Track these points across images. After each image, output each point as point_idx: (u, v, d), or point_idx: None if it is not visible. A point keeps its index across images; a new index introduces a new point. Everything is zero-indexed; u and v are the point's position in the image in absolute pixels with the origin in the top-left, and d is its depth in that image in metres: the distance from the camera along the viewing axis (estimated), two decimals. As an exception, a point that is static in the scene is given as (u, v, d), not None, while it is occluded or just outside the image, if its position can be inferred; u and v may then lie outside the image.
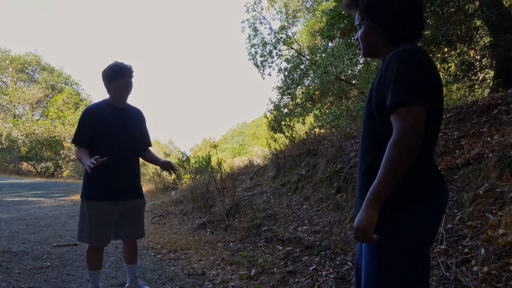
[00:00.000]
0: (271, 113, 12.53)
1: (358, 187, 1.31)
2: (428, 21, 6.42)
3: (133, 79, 2.43)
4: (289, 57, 13.53)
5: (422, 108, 1.07)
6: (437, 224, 1.23)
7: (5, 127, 22.88)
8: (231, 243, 4.07)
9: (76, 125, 2.41)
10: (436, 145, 1.39)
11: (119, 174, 2.36)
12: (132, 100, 2.68)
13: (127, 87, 2.39)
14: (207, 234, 4.63)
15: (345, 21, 5.14)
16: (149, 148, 2.68)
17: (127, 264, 2.64)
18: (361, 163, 1.29)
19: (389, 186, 1.08)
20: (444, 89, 1.30)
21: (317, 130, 10.17)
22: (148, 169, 18.13)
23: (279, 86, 13.27)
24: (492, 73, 7.53)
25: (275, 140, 9.05)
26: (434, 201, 1.18)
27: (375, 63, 9.51)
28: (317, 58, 11.89)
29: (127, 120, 2.45)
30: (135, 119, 2.53)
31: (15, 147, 21.79)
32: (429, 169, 1.20)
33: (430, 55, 6.83)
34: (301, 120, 11.86)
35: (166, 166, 2.56)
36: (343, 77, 11.26)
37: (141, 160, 2.67)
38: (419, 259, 1.18)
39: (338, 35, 5.75)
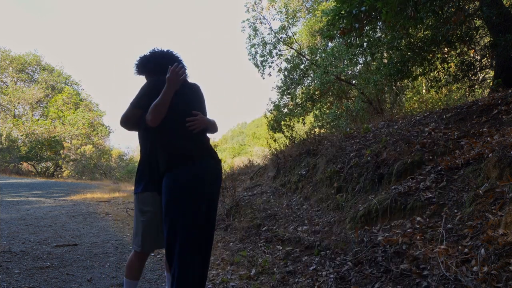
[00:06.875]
0: (271, 113, 12.49)
1: None
2: (428, 21, 6.44)
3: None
4: (289, 57, 13.50)
5: (132, 109, 2.09)
6: (185, 192, 1.91)
7: (5, 127, 22.88)
8: (231, 243, 4.07)
9: (140, 91, 2.10)
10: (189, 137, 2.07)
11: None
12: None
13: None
14: (207, 234, 4.63)
15: (345, 21, 5.12)
16: None
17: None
18: None
19: None
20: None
21: (317, 130, 10.17)
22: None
23: (279, 86, 13.23)
24: (492, 73, 7.54)
25: (275, 140, 9.06)
26: (174, 176, 1.94)
27: (374, 63, 9.52)
28: (317, 58, 11.85)
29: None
30: None
31: (15, 147, 21.80)
32: (169, 154, 1.98)
33: (430, 55, 6.84)
34: (301, 120, 11.85)
35: None
36: (343, 77, 11.25)
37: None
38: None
39: (338, 35, 5.74)
